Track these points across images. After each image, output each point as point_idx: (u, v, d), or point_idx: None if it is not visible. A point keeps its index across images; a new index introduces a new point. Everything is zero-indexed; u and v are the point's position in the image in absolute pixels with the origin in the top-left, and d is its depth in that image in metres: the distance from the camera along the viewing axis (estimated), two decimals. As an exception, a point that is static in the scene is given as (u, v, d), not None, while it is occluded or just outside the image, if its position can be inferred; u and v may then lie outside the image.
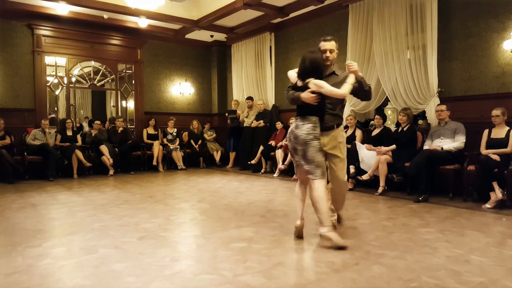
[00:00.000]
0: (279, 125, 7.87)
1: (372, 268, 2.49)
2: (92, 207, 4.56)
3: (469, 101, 5.28)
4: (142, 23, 7.87)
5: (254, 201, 4.92)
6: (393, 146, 5.40)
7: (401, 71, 5.87)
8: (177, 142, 8.91)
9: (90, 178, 7.33)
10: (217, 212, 4.28)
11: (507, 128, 4.58)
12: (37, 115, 7.72)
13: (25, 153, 7.03)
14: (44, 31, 7.84)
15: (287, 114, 7.91)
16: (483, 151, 4.64)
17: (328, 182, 3.29)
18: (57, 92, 8.45)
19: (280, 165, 7.27)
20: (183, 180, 7.00)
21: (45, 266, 2.56)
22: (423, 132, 5.53)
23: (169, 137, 8.93)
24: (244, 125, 8.73)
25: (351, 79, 3.09)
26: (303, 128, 3.03)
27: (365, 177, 5.47)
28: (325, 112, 3.13)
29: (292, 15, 7.61)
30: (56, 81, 8.25)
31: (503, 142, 4.53)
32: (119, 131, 8.29)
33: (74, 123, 8.30)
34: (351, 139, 5.92)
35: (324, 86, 2.99)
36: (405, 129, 5.50)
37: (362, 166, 5.61)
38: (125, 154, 8.11)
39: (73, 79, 8.48)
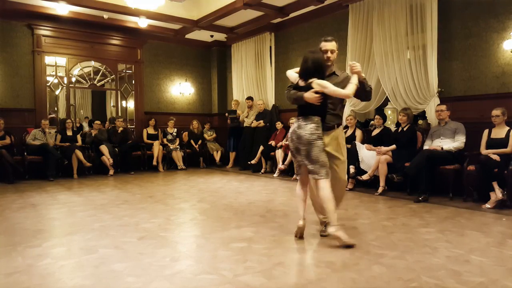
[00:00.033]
0: (279, 125, 7.87)
1: (372, 268, 2.49)
2: (92, 207, 4.56)
3: (469, 101, 5.28)
4: (142, 23, 7.87)
5: (254, 201, 4.92)
6: (393, 146, 5.40)
7: (401, 71, 5.87)
8: (177, 142, 8.91)
9: (90, 178, 7.33)
10: (217, 212, 4.28)
11: (507, 128, 4.58)
12: (37, 115, 7.72)
13: (25, 153, 7.03)
14: (44, 31, 7.84)
15: (287, 114, 7.91)
16: (483, 151, 4.64)
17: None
18: (57, 92, 8.45)
19: (280, 165, 7.27)
20: (183, 180, 7.00)
21: (45, 266, 2.56)
22: (423, 132, 5.53)
23: (169, 137, 8.93)
24: (244, 125, 8.73)
25: (355, 80, 3.09)
26: (306, 128, 3.02)
27: (365, 177, 5.47)
28: (327, 112, 3.14)
29: (292, 15, 7.61)
30: (56, 81, 8.25)
31: (503, 142, 4.53)
32: (119, 131, 8.29)
33: (74, 123, 8.30)
34: (351, 139, 5.92)
35: (328, 87, 2.99)
36: (405, 129, 5.50)
37: (362, 166, 5.61)
38: (125, 154, 8.11)
39: (73, 79, 8.48)
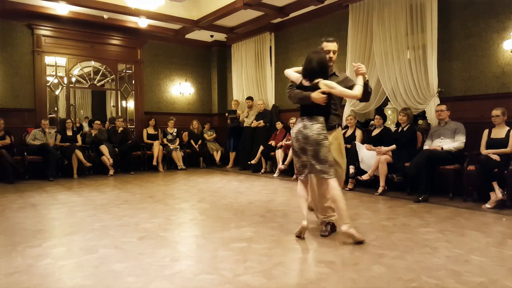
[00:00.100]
0: (279, 125, 7.87)
1: (372, 268, 2.49)
2: (92, 207, 4.56)
3: (469, 101, 5.28)
4: (142, 23, 7.87)
5: (254, 201, 4.92)
6: (393, 146, 5.40)
7: (401, 71, 5.87)
8: (177, 142, 8.91)
9: (90, 178, 7.33)
10: (217, 212, 4.28)
11: (507, 128, 4.57)
12: (37, 115, 7.72)
13: (25, 153, 7.03)
14: (44, 31, 7.84)
15: (287, 114, 7.91)
16: (483, 151, 4.64)
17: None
18: (57, 92, 8.45)
19: (280, 165, 7.27)
20: (183, 180, 7.00)
21: (45, 266, 2.56)
22: (423, 132, 5.53)
23: (169, 137, 8.93)
24: (244, 125, 8.73)
25: (360, 81, 3.11)
26: (312, 128, 3.03)
27: (365, 177, 5.46)
28: (330, 112, 3.15)
29: (292, 15, 7.60)
30: (56, 81, 8.24)
31: (503, 142, 4.53)
32: (119, 131, 8.29)
33: (74, 123, 8.30)
34: (351, 139, 5.92)
35: (336, 87, 3.01)
36: (405, 129, 5.50)
37: (362, 166, 5.61)
38: (125, 154, 8.10)
39: (73, 79, 8.48)
